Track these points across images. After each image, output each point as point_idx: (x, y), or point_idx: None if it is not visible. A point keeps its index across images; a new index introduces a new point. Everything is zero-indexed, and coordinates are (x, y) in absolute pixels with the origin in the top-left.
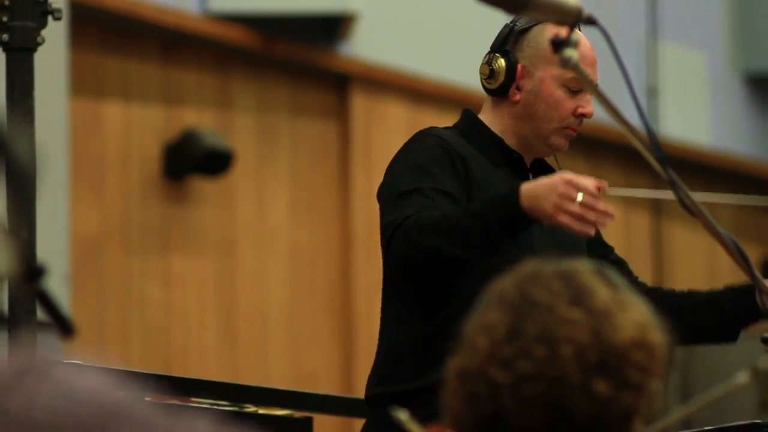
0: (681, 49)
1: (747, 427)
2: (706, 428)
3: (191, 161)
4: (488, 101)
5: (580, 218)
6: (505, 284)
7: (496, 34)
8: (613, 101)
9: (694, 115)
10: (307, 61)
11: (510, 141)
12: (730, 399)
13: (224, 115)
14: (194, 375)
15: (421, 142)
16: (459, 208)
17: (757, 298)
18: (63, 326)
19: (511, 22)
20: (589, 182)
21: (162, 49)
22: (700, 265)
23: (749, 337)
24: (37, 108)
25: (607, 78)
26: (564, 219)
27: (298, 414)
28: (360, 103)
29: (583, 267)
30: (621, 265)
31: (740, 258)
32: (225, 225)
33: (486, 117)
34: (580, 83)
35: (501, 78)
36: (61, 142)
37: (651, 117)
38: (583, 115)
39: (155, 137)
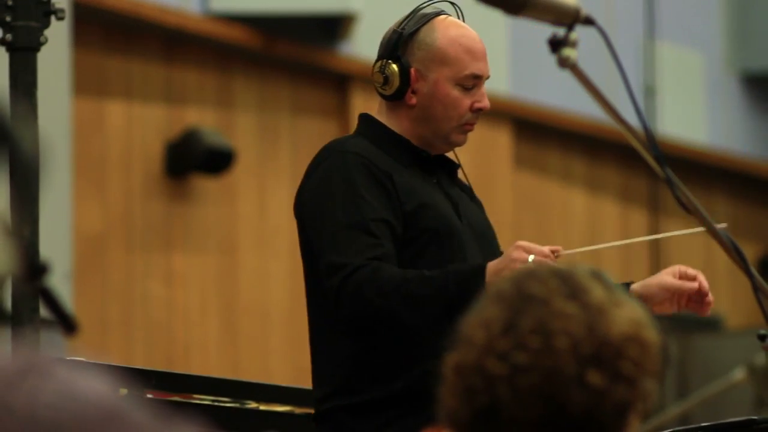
0: (678, 49)
1: (743, 423)
2: (703, 424)
3: (193, 160)
4: (383, 105)
5: None
6: (501, 283)
7: (495, 34)
8: (611, 101)
9: (691, 114)
10: (307, 61)
11: (411, 141)
12: (726, 395)
13: (225, 114)
14: (196, 372)
15: (341, 161)
16: (419, 274)
17: (755, 296)
18: (66, 323)
19: (399, 28)
20: (540, 247)
21: (164, 49)
22: (697, 263)
23: (746, 334)
24: (40, 107)
25: (604, 77)
26: None
27: (298, 410)
28: (360, 103)
29: (579, 268)
30: None
31: (736, 256)
32: (226, 223)
33: (384, 120)
34: (473, 80)
35: (396, 84)
36: (64, 140)
37: (648, 116)
38: (480, 110)
39: (157, 136)
